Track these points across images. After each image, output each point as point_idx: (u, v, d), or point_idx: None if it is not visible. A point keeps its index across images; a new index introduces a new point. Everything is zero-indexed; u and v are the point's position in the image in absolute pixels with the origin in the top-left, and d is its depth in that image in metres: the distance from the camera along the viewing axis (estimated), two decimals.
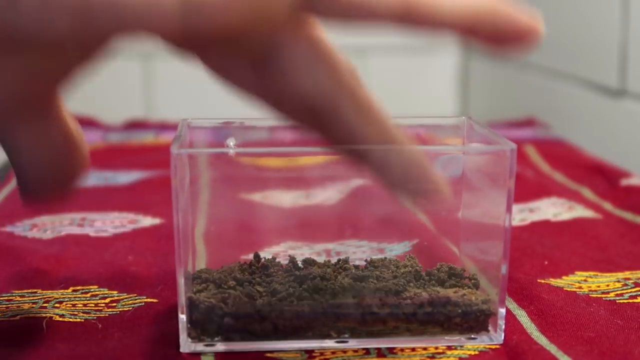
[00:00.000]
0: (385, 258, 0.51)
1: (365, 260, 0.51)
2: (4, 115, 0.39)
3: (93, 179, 0.85)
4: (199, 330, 0.46)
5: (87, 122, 1.15)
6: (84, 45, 0.36)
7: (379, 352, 0.45)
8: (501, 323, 0.47)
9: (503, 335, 0.47)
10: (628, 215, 0.71)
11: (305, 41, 0.41)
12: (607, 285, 0.55)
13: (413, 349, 0.46)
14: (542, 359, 0.44)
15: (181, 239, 0.45)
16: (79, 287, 0.55)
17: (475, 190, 0.52)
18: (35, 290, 0.54)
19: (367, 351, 0.46)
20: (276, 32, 0.39)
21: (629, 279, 0.56)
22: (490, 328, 0.47)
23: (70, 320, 0.49)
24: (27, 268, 0.57)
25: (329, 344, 0.46)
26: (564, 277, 0.57)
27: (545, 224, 0.68)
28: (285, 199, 0.60)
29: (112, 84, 1.36)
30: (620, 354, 0.45)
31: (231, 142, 0.52)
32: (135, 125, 1.14)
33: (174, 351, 0.46)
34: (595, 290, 0.54)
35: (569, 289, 0.54)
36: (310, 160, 0.53)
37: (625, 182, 0.78)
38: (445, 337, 0.47)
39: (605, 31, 0.93)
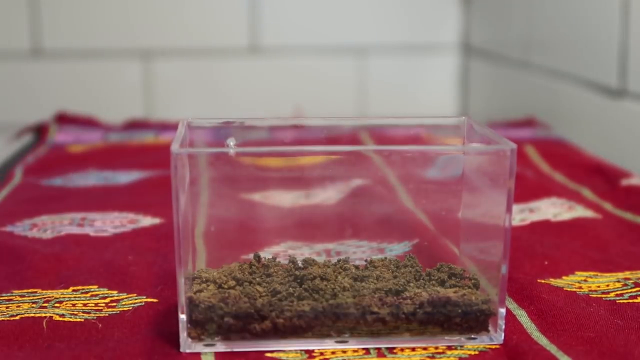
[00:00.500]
0: (385, 258, 0.51)
1: (365, 260, 0.51)
2: None
3: (93, 178, 0.85)
4: (199, 330, 0.46)
5: (87, 122, 1.15)
6: None
7: (379, 352, 0.45)
8: (501, 323, 0.47)
9: (503, 335, 0.47)
10: (628, 215, 0.71)
11: None
12: (607, 285, 0.55)
13: (413, 349, 0.46)
14: (542, 359, 0.44)
15: (181, 239, 0.45)
16: (79, 287, 0.55)
17: (475, 190, 0.52)
18: (35, 290, 0.54)
19: (367, 351, 0.46)
20: None
21: (629, 279, 0.56)
22: (490, 328, 0.47)
23: (70, 320, 0.49)
24: (27, 268, 0.57)
25: (329, 344, 0.46)
26: (564, 277, 0.57)
27: (545, 224, 0.68)
28: (285, 199, 0.60)
29: (112, 84, 1.36)
30: (620, 354, 0.45)
31: (231, 142, 0.52)
32: (135, 125, 1.14)
33: (174, 351, 0.46)
34: (595, 291, 0.54)
35: (569, 289, 0.54)
36: (310, 160, 0.53)
37: (625, 182, 0.78)
38: (445, 337, 0.47)
39: (605, 31, 0.93)
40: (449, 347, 0.46)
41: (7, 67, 1.34)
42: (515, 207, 0.71)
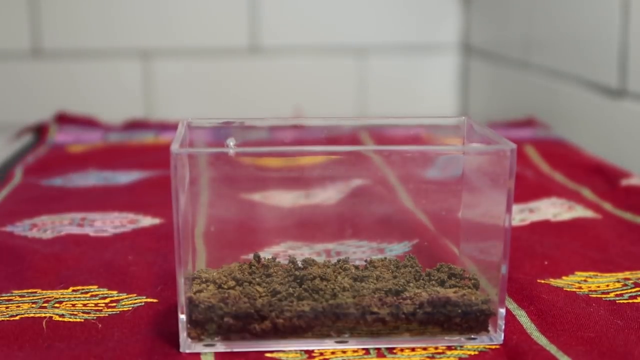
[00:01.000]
0: (385, 258, 0.51)
1: (365, 260, 0.51)
2: None
3: (93, 178, 0.85)
4: (198, 330, 0.46)
5: (87, 122, 1.15)
6: None
7: (379, 352, 0.45)
8: (501, 323, 0.47)
9: (503, 335, 0.47)
10: (628, 216, 0.71)
11: None
12: (607, 286, 0.55)
13: (413, 349, 0.46)
14: (542, 359, 0.44)
15: (181, 239, 0.45)
16: (79, 287, 0.55)
17: (475, 190, 0.52)
18: (35, 290, 0.54)
19: (367, 351, 0.46)
20: None
21: (629, 279, 0.56)
22: (490, 328, 0.47)
23: (70, 320, 0.49)
24: (27, 268, 0.57)
25: (329, 344, 0.46)
26: (564, 277, 0.57)
27: (545, 224, 0.68)
28: (285, 199, 0.60)
29: (112, 84, 1.36)
30: (620, 354, 0.45)
31: (231, 142, 0.52)
32: (135, 125, 1.14)
33: (174, 351, 0.46)
34: (595, 291, 0.54)
35: (568, 289, 0.54)
36: (310, 160, 0.53)
37: (625, 182, 0.78)
38: (445, 337, 0.47)
39: (605, 31, 0.93)
40: (449, 347, 0.46)
41: (7, 67, 1.34)
42: (515, 207, 0.71)
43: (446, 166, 0.52)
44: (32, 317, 0.49)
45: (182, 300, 0.46)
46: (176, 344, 0.46)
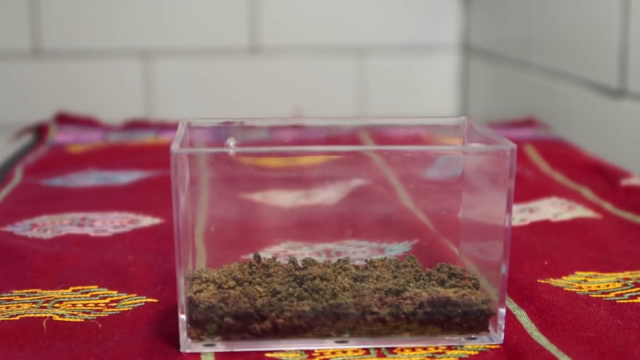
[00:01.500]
0: (385, 258, 0.51)
1: (365, 260, 0.51)
2: None
3: (93, 178, 0.85)
4: (198, 330, 0.46)
5: (87, 122, 1.15)
6: None
7: (379, 352, 0.45)
8: (501, 323, 0.47)
9: (503, 335, 0.47)
10: (628, 215, 0.71)
11: None
12: (607, 286, 0.55)
13: (413, 349, 0.46)
14: (542, 359, 0.44)
15: (181, 239, 0.45)
16: (79, 287, 0.55)
17: (475, 190, 0.52)
18: (35, 290, 0.54)
19: (367, 351, 0.46)
20: None
21: (629, 279, 0.56)
22: (490, 328, 0.47)
23: (70, 320, 0.49)
24: (27, 268, 0.57)
25: (329, 344, 0.46)
26: (564, 277, 0.57)
27: (545, 224, 0.68)
28: (285, 199, 0.60)
29: (112, 84, 1.36)
30: (620, 354, 0.45)
31: (231, 142, 0.52)
32: (135, 125, 1.14)
33: (174, 351, 0.46)
34: (595, 291, 0.54)
35: (569, 289, 0.54)
36: (310, 160, 0.53)
37: (625, 182, 0.78)
38: (445, 337, 0.47)
39: (605, 31, 0.93)
40: (449, 347, 0.46)
41: (7, 67, 1.34)
42: (515, 207, 0.71)
43: (446, 166, 0.52)
44: (32, 317, 0.49)
45: (182, 300, 0.46)
46: (176, 344, 0.46)
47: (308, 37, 1.38)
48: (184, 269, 0.46)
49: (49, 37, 1.34)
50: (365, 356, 0.45)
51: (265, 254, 0.51)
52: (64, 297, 0.53)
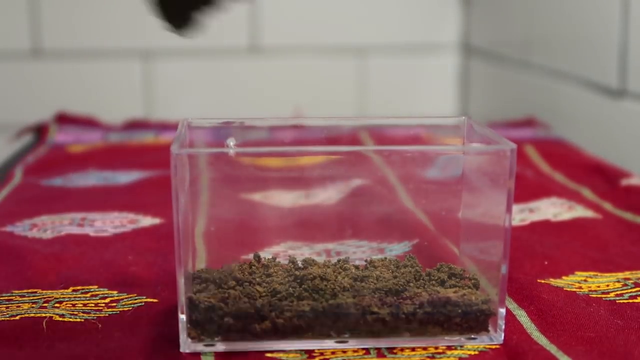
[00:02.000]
0: (385, 258, 0.51)
1: (365, 260, 0.51)
2: None
3: (93, 179, 0.85)
4: (199, 330, 0.46)
5: (87, 122, 1.15)
6: None
7: (379, 352, 0.45)
8: (501, 323, 0.47)
9: (503, 335, 0.47)
10: (628, 215, 0.71)
11: None
12: (607, 285, 0.55)
13: (413, 349, 0.46)
14: (542, 359, 0.44)
15: (181, 239, 0.45)
16: (79, 287, 0.55)
17: (475, 190, 0.52)
18: (35, 290, 0.54)
19: (367, 351, 0.46)
20: None
21: (629, 279, 0.56)
22: (490, 328, 0.47)
23: (70, 320, 0.49)
24: (27, 268, 0.57)
25: (329, 344, 0.46)
26: (564, 277, 0.57)
27: (545, 224, 0.68)
28: (285, 199, 0.60)
29: (112, 84, 1.36)
30: (620, 354, 0.45)
31: (231, 142, 0.52)
32: (135, 125, 1.14)
33: (174, 351, 0.46)
34: (595, 291, 0.54)
35: (569, 289, 0.54)
36: (310, 160, 0.53)
37: (625, 182, 0.78)
38: (445, 337, 0.47)
39: (605, 31, 0.93)
40: (449, 347, 0.46)
41: (7, 67, 1.34)
42: (515, 207, 0.71)
43: (446, 166, 0.52)
44: (32, 317, 0.49)
45: (182, 300, 0.46)
46: (176, 344, 0.46)
47: (308, 37, 1.38)
48: (184, 269, 0.46)
49: (49, 37, 1.34)
50: (365, 356, 0.45)
51: (265, 254, 0.51)
52: (64, 297, 0.53)
